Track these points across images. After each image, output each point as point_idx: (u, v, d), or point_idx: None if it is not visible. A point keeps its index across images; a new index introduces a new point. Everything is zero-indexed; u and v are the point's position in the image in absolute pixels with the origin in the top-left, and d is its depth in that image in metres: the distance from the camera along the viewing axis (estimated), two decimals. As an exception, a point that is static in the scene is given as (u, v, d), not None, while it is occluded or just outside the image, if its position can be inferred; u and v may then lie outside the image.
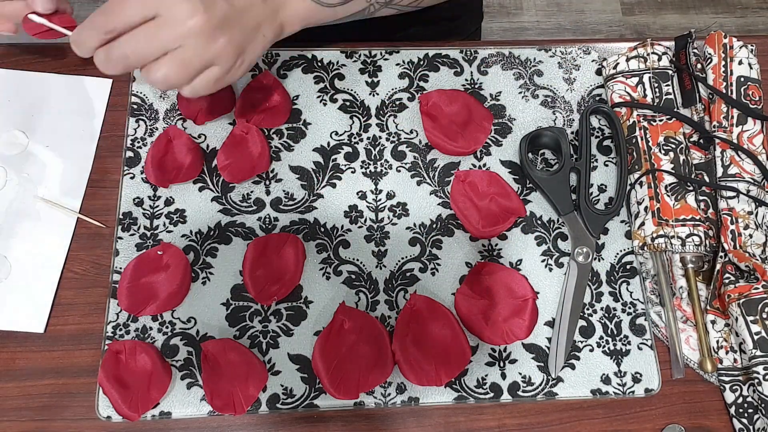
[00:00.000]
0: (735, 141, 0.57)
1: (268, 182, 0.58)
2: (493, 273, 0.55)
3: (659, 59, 0.61)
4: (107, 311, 0.53)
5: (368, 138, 0.60)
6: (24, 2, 0.52)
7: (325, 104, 0.61)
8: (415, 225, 0.57)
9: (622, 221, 0.58)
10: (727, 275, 0.53)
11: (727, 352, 0.54)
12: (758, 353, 0.51)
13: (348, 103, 0.61)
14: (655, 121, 0.59)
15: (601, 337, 0.55)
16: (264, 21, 0.51)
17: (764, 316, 0.51)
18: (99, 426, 0.51)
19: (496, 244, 0.57)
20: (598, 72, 0.64)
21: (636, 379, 0.53)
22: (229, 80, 0.51)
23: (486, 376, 0.53)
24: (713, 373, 0.53)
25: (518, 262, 0.57)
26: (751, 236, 0.54)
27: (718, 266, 0.54)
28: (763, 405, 0.51)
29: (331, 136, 0.60)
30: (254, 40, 0.51)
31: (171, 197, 0.57)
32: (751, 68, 0.60)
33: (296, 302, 0.54)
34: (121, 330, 0.53)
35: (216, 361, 0.51)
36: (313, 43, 0.63)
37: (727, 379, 0.53)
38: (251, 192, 0.58)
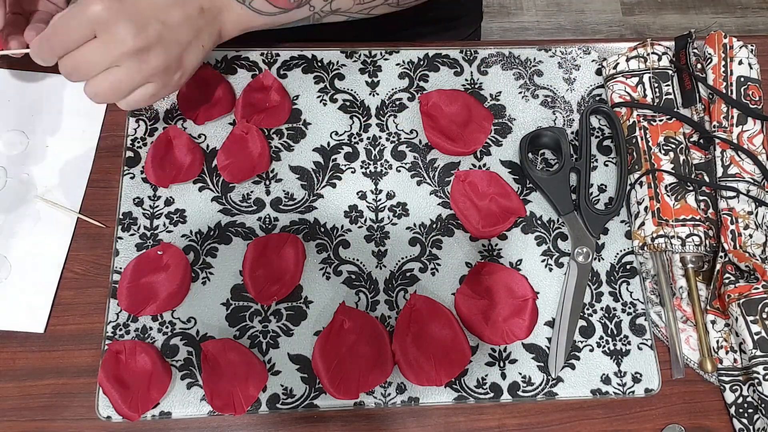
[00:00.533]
0: (735, 141, 0.57)
1: (268, 182, 0.58)
2: (493, 273, 0.55)
3: (659, 59, 0.61)
4: (107, 311, 0.53)
5: (368, 138, 0.60)
6: None
7: (325, 104, 0.61)
8: (415, 225, 0.57)
9: (622, 221, 0.58)
10: (727, 275, 0.53)
11: (727, 352, 0.54)
12: (758, 353, 0.51)
13: (348, 103, 0.61)
14: (655, 121, 0.59)
15: (601, 337, 0.55)
16: (203, 30, 0.52)
17: (764, 316, 0.51)
18: (99, 426, 0.51)
19: (496, 244, 0.57)
20: (598, 72, 0.64)
21: (636, 379, 0.53)
22: (166, 93, 0.52)
23: (486, 376, 0.53)
24: (713, 373, 0.53)
25: (518, 262, 0.57)
26: (751, 236, 0.54)
27: (718, 266, 0.54)
28: (763, 405, 0.51)
29: (331, 136, 0.60)
30: (192, 51, 0.51)
31: (171, 197, 0.57)
32: (751, 68, 0.60)
33: (296, 302, 0.54)
34: (121, 330, 0.53)
35: (216, 361, 0.51)
36: (313, 43, 0.63)
37: (727, 379, 0.53)
38: (251, 192, 0.58)
